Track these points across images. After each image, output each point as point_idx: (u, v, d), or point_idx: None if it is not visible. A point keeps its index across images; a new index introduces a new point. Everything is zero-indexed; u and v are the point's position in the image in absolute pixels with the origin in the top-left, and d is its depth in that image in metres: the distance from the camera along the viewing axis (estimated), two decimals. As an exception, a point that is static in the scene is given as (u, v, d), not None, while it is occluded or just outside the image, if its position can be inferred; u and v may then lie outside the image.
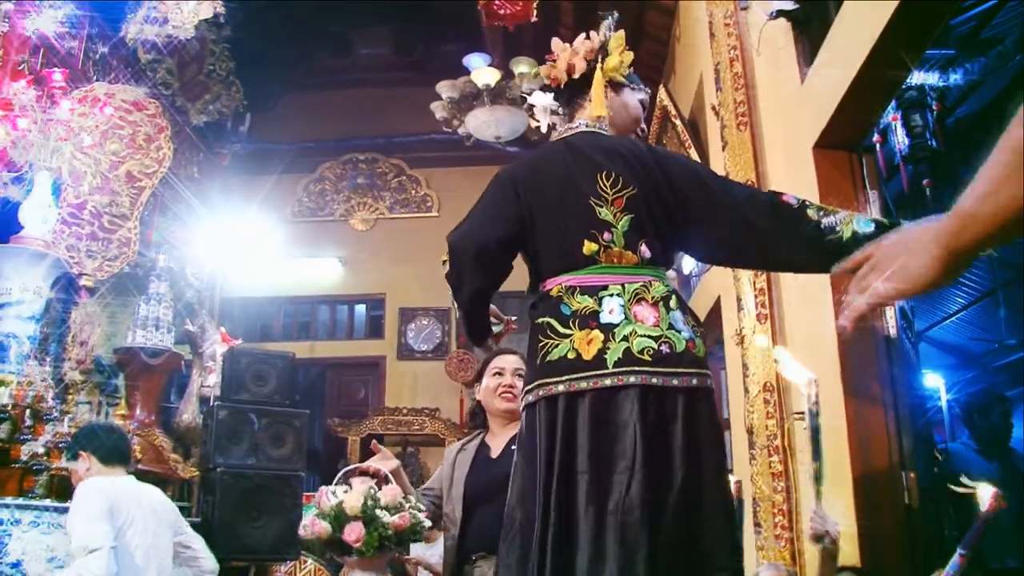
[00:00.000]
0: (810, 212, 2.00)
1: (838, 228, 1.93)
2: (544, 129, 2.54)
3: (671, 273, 2.39)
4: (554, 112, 2.45)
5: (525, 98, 6.22)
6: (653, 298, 2.05)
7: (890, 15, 2.67)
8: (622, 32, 2.32)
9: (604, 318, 2.02)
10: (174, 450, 5.92)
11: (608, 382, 1.96)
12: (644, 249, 2.08)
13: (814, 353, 3.40)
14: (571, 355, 2.02)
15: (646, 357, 1.97)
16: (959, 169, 7.35)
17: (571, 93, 2.35)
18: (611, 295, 2.05)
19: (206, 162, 8.81)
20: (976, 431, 4.02)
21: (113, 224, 6.37)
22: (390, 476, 2.91)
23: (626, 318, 2.01)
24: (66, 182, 6.04)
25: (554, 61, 2.35)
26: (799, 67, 3.64)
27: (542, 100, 2.47)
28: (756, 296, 3.92)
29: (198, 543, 3.75)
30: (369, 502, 2.76)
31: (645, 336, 1.99)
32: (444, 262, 2.19)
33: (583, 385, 1.98)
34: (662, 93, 5.98)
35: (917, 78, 4.74)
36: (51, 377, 5.20)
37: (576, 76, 2.31)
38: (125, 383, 6.19)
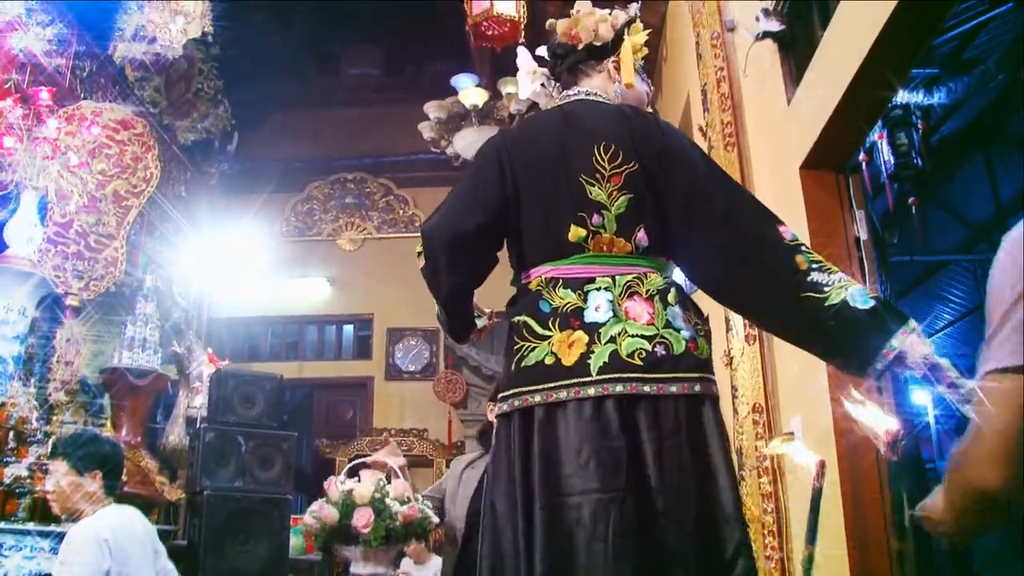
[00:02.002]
0: (800, 258, 1.71)
1: (827, 289, 1.65)
2: (524, 95, 2.36)
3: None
4: (542, 84, 2.20)
5: (514, 118, 6.25)
6: (648, 292, 1.79)
7: (875, 36, 2.68)
8: (642, 24, 2.15)
9: (589, 316, 1.77)
10: (160, 472, 5.89)
11: (591, 391, 1.70)
12: (641, 236, 1.82)
13: (802, 374, 3.40)
14: (549, 360, 1.76)
15: (637, 361, 1.71)
16: (944, 187, 7.43)
17: (581, 58, 2.09)
18: (598, 289, 1.80)
19: (193, 181, 8.79)
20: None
21: (99, 243, 6.34)
22: (399, 471, 2.90)
23: (615, 316, 1.76)
24: (52, 201, 6.02)
25: (576, 18, 2.11)
26: (786, 88, 3.66)
27: (530, 63, 2.23)
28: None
29: (171, 566, 3.57)
30: (378, 493, 2.75)
31: (637, 336, 1.73)
32: (419, 254, 1.95)
33: (563, 395, 1.72)
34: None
35: (902, 97, 4.79)
36: (36, 398, 5.17)
37: (598, 43, 2.08)
38: (111, 404, 6.15)
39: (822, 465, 1.93)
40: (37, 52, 5.91)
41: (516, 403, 1.78)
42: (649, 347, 1.73)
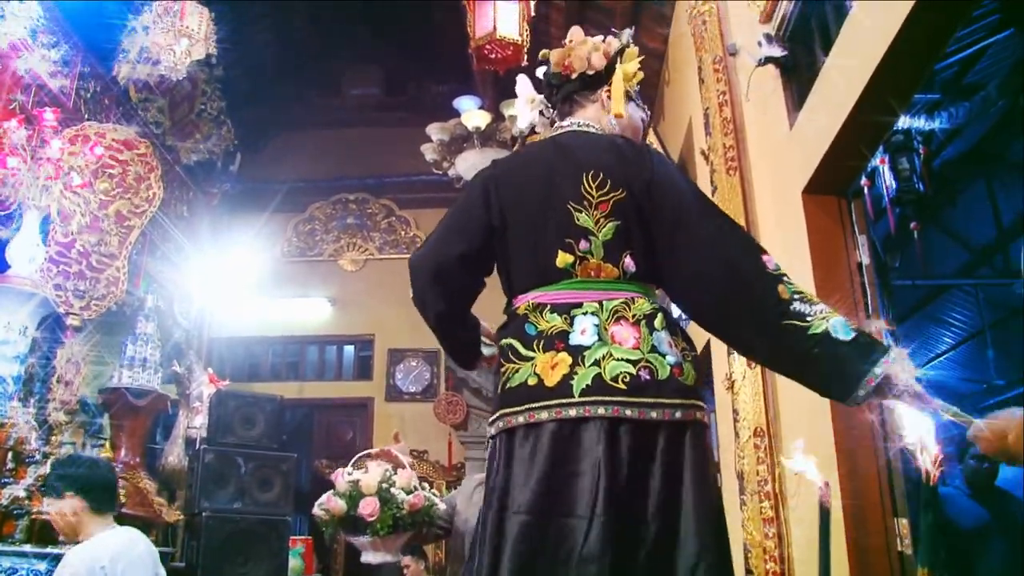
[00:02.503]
0: (783, 287, 1.71)
1: (809, 319, 1.65)
2: (522, 125, 2.37)
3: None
4: (541, 112, 2.21)
5: (516, 140, 6.27)
6: (634, 317, 1.79)
7: (877, 62, 2.70)
8: (636, 49, 2.14)
9: (574, 339, 1.77)
10: (159, 493, 5.86)
11: (572, 413, 1.70)
12: (628, 262, 1.83)
13: (803, 398, 3.39)
14: (532, 381, 1.77)
15: (620, 385, 1.71)
16: (945, 211, 7.45)
17: (575, 88, 2.10)
18: (585, 313, 1.80)
19: (196, 201, 8.82)
20: (964, 474, 4.02)
21: (101, 263, 6.35)
22: (405, 462, 2.90)
23: (600, 339, 1.76)
24: (55, 221, 6.03)
25: (569, 47, 2.11)
26: (788, 112, 3.67)
27: (529, 91, 2.22)
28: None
29: None
30: (384, 483, 2.76)
31: (622, 360, 1.73)
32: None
33: (544, 416, 1.72)
34: (651, 137, 6.03)
35: (904, 122, 4.81)
36: (35, 418, 5.15)
37: (591, 72, 2.07)
38: (110, 424, 6.13)
39: (827, 486, 1.95)
40: (42, 73, 5.94)
41: (501, 424, 1.80)
42: (633, 371, 1.73)
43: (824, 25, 3.50)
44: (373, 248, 10.01)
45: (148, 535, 4.78)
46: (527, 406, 1.75)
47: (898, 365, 1.60)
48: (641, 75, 2.14)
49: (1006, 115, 5.65)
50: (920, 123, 4.93)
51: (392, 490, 2.76)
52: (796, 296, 1.70)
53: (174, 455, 6.17)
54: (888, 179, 4.75)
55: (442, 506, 2.94)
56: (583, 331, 1.78)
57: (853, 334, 1.64)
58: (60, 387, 5.86)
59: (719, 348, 4.55)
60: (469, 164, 6.60)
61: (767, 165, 3.99)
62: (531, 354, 1.80)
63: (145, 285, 7.14)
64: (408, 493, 2.77)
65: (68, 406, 5.86)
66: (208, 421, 5.04)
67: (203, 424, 5.70)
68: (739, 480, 4.02)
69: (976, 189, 7.10)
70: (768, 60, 3.67)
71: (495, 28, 4.92)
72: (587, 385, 1.72)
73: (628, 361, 1.73)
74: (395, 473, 2.83)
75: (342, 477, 2.84)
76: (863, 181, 4.64)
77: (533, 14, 5.05)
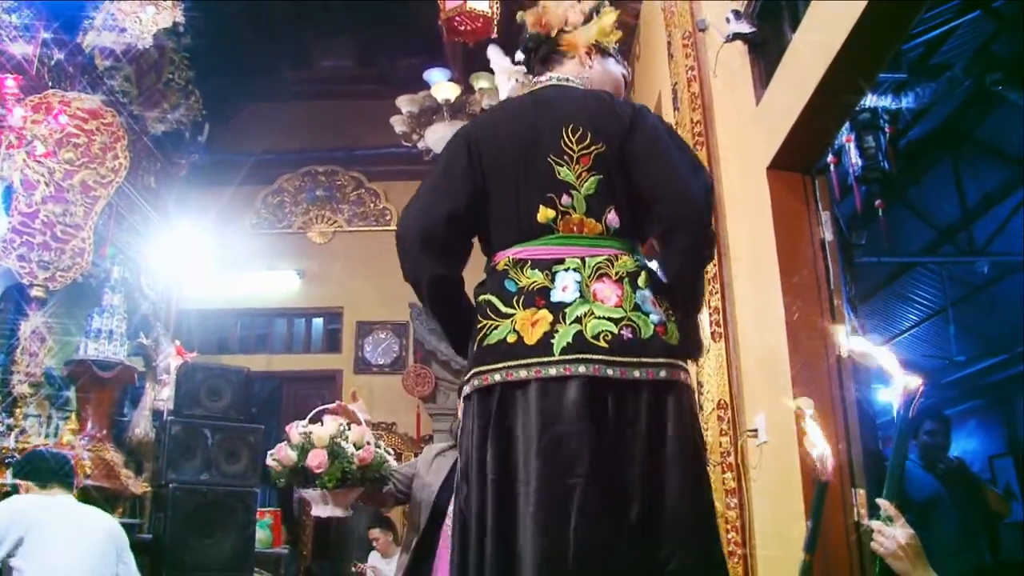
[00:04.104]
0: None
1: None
2: (503, 96, 2.36)
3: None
4: (518, 79, 2.26)
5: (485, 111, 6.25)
6: (617, 274, 1.75)
7: (843, 39, 2.72)
8: (616, 11, 2.13)
9: (555, 296, 1.73)
10: (126, 465, 5.83)
11: (552, 371, 1.65)
12: (612, 217, 1.79)
13: (766, 372, 3.44)
14: (511, 338, 1.72)
15: (602, 343, 1.67)
16: (911, 190, 7.54)
17: (554, 46, 2.07)
18: (567, 269, 1.76)
19: (163, 172, 8.71)
20: (918, 449, 4.11)
21: (66, 234, 6.28)
22: (361, 419, 2.91)
23: (582, 296, 1.72)
24: (18, 191, 5.95)
25: (545, 6, 2.09)
26: (755, 89, 3.69)
27: (505, 65, 2.27)
28: (711, 315, 3.95)
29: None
30: (336, 437, 2.77)
31: (604, 318, 1.69)
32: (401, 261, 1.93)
33: (523, 374, 1.67)
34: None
35: (870, 101, 4.85)
36: (-2, 390, 5.11)
37: (568, 29, 2.05)
38: (76, 396, 6.09)
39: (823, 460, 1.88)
40: (3, 39, 5.82)
41: (476, 383, 1.75)
42: (615, 330, 1.68)
43: (793, 2, 3.52)
44: (342, 220, 9.96)
45: (115, 507, 4.81)
46: (504, 364, 1.70)
47: None
48: (619, 35, 2.13)
49: (972, 95, 5.72)
50: (887, 102, 4.98)
51: (342, 443, 2.77)
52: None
53: (141, 427, 6.14)
54: (854, 157, 4.80)
55: (394, 463, 2.95)
56: (565, 287, 1.74)
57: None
58: (25, 359, 5.81)
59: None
60: (438, 136, 6.57)
61: (734, 141, 4.02)
62: (511, 311, 1.75)
63: (112, 256, 7.06)
64: (358, 448, 2.78)
65: (33, 378, 5.82)
66: (175, 393, 5.01)
67: (170, 396, 5.67)
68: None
69: (942, 168, 7.19)
70: (736, 36, 3.68)
71: (465, 1, 4.91)
72: (568, 343, 1.67)
73: (610, 319, 1.69)
74: (349, 428, 2.83)
75: (296, 429, 2.85)
76: (829, 159, 4.69)
77: (504, -13, 5.04)
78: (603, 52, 2.08)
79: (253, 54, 9.67)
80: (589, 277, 1.74)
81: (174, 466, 4.63)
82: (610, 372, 1.66)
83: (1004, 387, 8.63)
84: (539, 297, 1.74)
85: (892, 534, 1.75)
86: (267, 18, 9.47)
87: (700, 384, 4.07)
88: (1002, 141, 6.70)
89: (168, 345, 6.69)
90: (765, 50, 3.72)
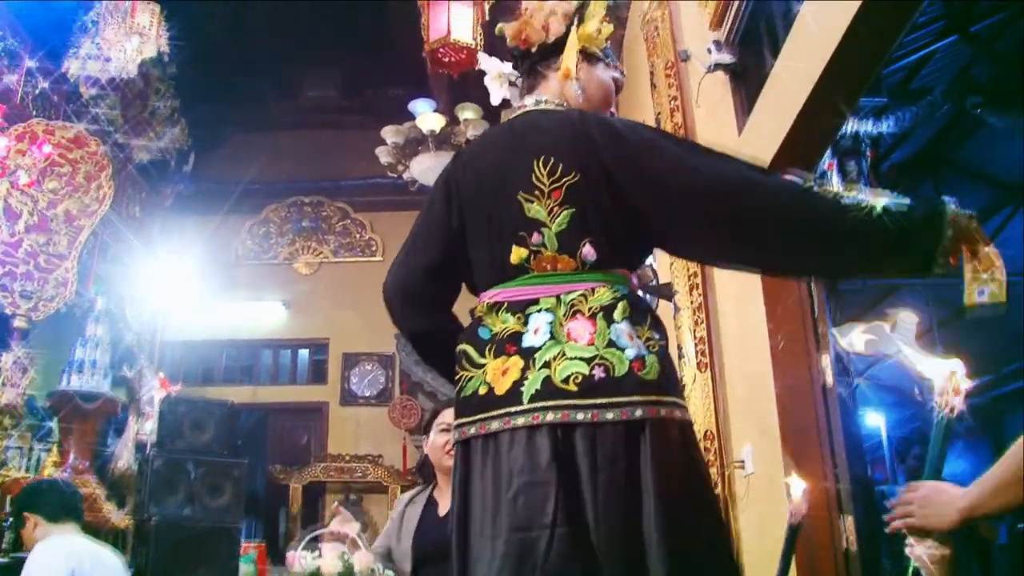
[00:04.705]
0: (825, 187, 1.58)
1: (863, 204, 1.51)
2: (496, 100, 2.24)
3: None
4: (511, 83, 2.06)
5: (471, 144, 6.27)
6: (591, 309, 1.64)
7: (823, 67, 2.73)
8: (605, 2, 1.97)
9: (527, 341, 1.65)
10: (108, 498, 5.76)
11: (520, 421, 1.57)
12: (587, 250, 1.67)
13: (752, 401, 3.43)
14: (482, 390, 1.65)
15: (571, 387, 1.56)
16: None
17: (536, 60, 1.94)
18: (540, 311, 1.67)
19: (149, 201, 8.70)
20: (907, 472, 4.10)
21: (50, 263, 6.25)
22: (358, 540, 2.86)
23: (553, 338, 1.62)
24: (1, 220, 5.91)
25: (525, 18, 1.94)
26: (737, 118, 3.71)
27: (496, 67, 2.08)
28: (697, 345, 3.94)
29: None
30: (344, 569, 2.72)
31: (575, 359, 1.59)
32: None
33: (495, 426, 1.61)
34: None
35: (852, 126, 4.89)
36: (-22, 422, 5.05)
37: (550, 40, 1.91)
38: (59, 427, 6.02)
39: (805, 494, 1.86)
40: (-14, 69, 5.82)
41: (457, 436, 1.70)
42: (587, 370, 1.57)
43: (773, 31, 3.54)
44: (328, 251, 9.95)
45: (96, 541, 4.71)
46: (479, 416, 1.64)
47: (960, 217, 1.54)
48: (610, 29, 1.97)
49: (952, 119, 5.77)
50: (868, 127, 5.02)
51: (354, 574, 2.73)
52: (842, 192, 1.55)
53: (124, 459, 6.07)
54: (836, 182, 4.83)
55: None
56: (536, 330, 1.65)
57: (907, 202, 1.53)
58: (6, 390, 5.75)
59: (671, 351, 4.58)
60: (424, 167, 6.58)
61: (717, 170, 4.01)
62: (483, 360, 1.68)
63: (96, 287, 7.03)
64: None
65: (14, 410, 5.76)
66: (158, 426, 4.95)
67: (154, 429, 5.61)
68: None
69: (924, 191, 7.23)
70: (717, 66, 3.70)
71: (449, 32, 4.94)
72: (536, 390, 1.58)
73: (581, 359, 1.58)
74: (352, 555, 2.79)
75: (299, 562, 2.80)
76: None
77: (487, 18, 5.07)
78: (590, 58, 1.93)
79: (240, 84, 9.70)
80: (564, 316, 1.65)
81: (156, 500, 4.55)
82: (580, 416, 1.55)
83: (992, 408, 8.64)
84: (510, 344, 1.67)
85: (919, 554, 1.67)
86: (254, 48, 9.51)
87: (686, 414, 4.05)
88: (983, 163, 6.76)
89: (152, 377, 6.62)
90: (746, 79, 3.74)
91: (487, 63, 2.10)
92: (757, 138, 3.39)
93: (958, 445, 9.43)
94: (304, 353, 9.91)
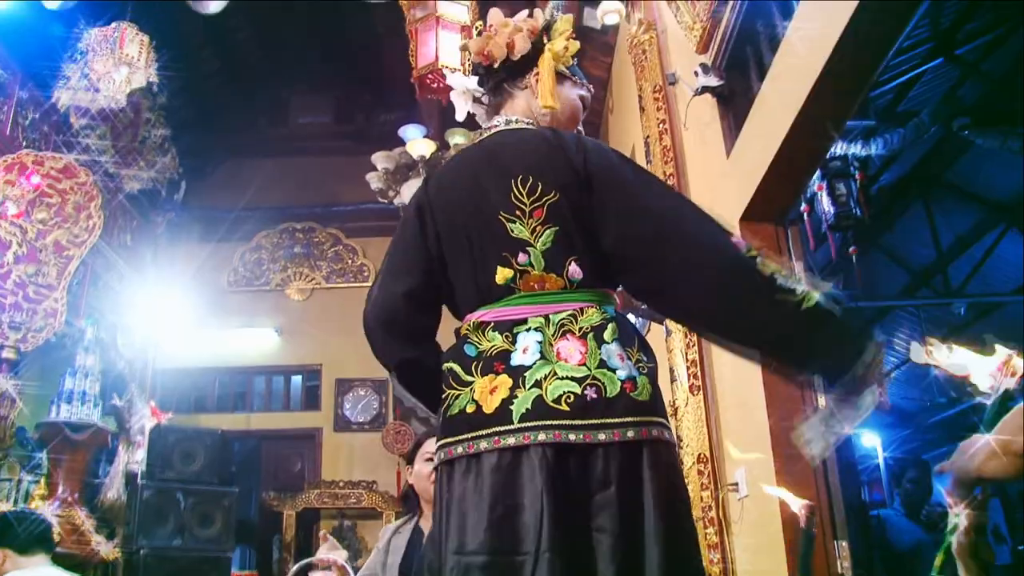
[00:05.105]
0: (764, 262, 1.57)
1: (800, 291, 1.53)
2: (460, 116, 2.16)
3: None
4: (476, 99, 2.03)
5: (420, 163, 6.28)
6: (581, 329, 1.62)
7: (809, 88, 2.74)
8: (571, 16, 1.94)
9: (515, 359, 1.62)
10: (98, 530, 5.69)
11: (511, 440, 1.54)
12: (574, 269, 1.65)
13: (745, 424, 3.41)
14: (470, 408, 1.61)
15: (563, 407, 1.54)
16: (886, 234, 7.60)
17: (502, 78, 1.91)
18: (528, 330, 1.64)
19: (140, 230, 8.67)
20: (900, 497, 4.08)
21: (39, 294, 6.21)
22: (347, 568, 2.84)
23: (543, 358, 1.60)
24: (-11, 251, 5.90)
25: (489, 35, 1.90)
26: (724, 141, 3.72)
27: (462, 83, 2.06)
28: (688, 368, 3.93)
29: None
30: None
31: (567, 379, 1.56)
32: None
33: (483, 445, 1.57)
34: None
35: (840, 148, 4.91)
36: (-34, 455, 5.00)
37: (515, 57, 1.87)
38: (48, 459, 5.97)
39: (809, 509, 1.86)
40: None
41: (442, 455, 1.65)
42: (579, 390, 1.55)
43: (759, 54, 3.56)
44: (320, 277, 9.93)
45: (85, 574, 4.67)
46: (466, 436, 1.60)
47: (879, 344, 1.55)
48: (576, 46, 1.94)
49: (940, 141, 5.80)
50: (857, 149, 5.04)
51: None
52: (779, 272, 1.56)
53: (113, 490, 6.01)
54: (827, 205, 4.84)
55: None
56: (525, 349, 1.62)
57: (839, 308, 1.53)
58: (-6, 422, 5.70)
59: (663, 374, 4.56)
60: (415, 192, 6.57)
61: (706, 193, 4.03)
62: (470, 378, 1.65)
63: (88, 317, 6.99)
64: None
65: (3, 442, 5.70)
66: (147, 456, 4.91)
67: (144, 458, 5.56)
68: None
69: (915, 212, 7.26)
70: (705, 90, 3.72)
71: (437, 58, 4.96)
72: (527, 409, 1.55)
73: (573, 379, 1.56)
74: None
75: None
76: (803, 207, 4.74)
77: (476, 43, 5.08)
78: (558, 77, 1.90)
79: (230, 111, 9.72)
80: (553, 336, 1.63)
81: (145, 531, 4.53)
82: (572, 437, 1.53)
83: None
84: (498, 362, 1.63)
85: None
86: (244, 75, 9.54)
87: (680, 438, 4.04)
88: (973, 184, 6.79)
89: (143, 405, 6.58)
90: (734, 102, 3.76)
91: (453, 79, 2.08)
92: (745, 161, 3.40)
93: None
94: (297, 379, 9.86)
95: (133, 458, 6.21)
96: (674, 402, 4.11)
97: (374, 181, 6.72)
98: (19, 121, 6.65)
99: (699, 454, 3.76)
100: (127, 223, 8.43)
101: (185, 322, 8.66)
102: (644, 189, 1.72)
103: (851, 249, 5.08)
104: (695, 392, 3.85)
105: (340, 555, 2.91)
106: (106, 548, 5.53)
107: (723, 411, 3.74)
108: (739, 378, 3.47)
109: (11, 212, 5.95)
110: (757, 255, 1.59)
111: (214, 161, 10.10)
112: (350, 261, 9.97)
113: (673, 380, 4.14)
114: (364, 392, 9.34)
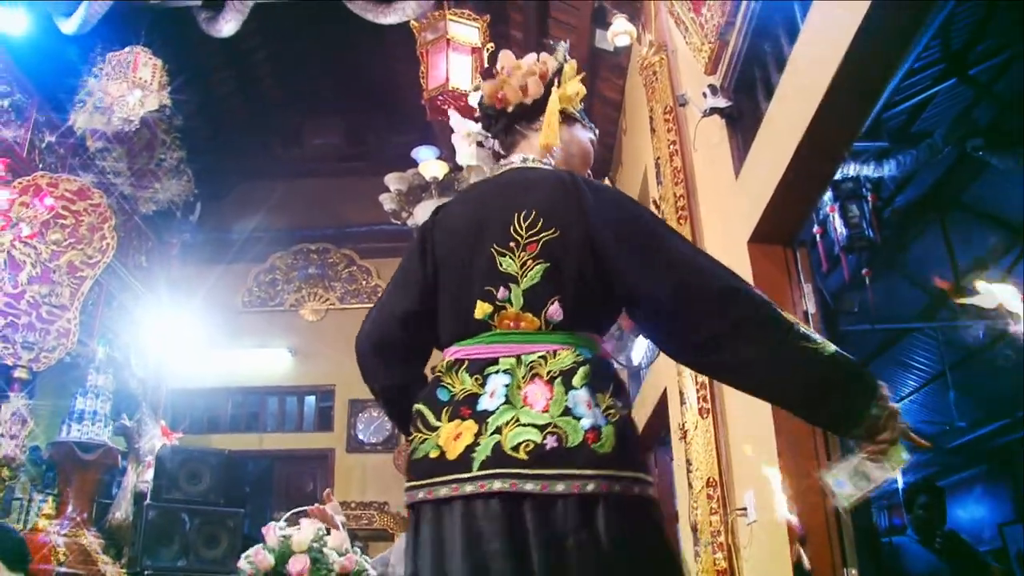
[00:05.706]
0: (782, 313, 1.56)
1: (818, 341, 1.52)
2: (461, 159, 2.18)
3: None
4: (479, 143, 2.08)
5: (431, 186, 6.29)
6: (550, 373, 1.55)
7: (816, 108, 2.72)
8: (575, 62, 1.96)
9: (482, 404, 1.57)
10: (105, 550, 5.68)
11: (469, 488, 1.49)
12: (554, 310, 1.60)
13: (755, 450, 3.36)
14: (434, 453, 1.57)
15: (521, 455, 1.48)
16: (902, 256, 7.54)
17: (514, 120, 1.91)
18: (499, 372, 1.59)
19: (155, 251, 8.73)
20: (912, 524, 4.01)
21: (52, 315, 6.25)
22: (339, 524, 2.84)
23: (508, 402, 1.54)
24: (3, 271, 5.93)
25: (503, 78, 1.92)
26: (733, 162, 3.69)
27: (464, 126, 2.08)
28: (698, 391, 3.89)
29: None
30: (316, 542, 2.69)
31: (529, 426, 1.50)
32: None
33: (443, 492, 1.53)
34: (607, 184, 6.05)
35: (853, 170, 4.87)
36: (-22, 474, 5.01)
37: (528, 100, 1.88)
38: (57, 479, 5.98)
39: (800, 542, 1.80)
40: (-5, 123, 5.89)
41: (406, 499, 1.62)
42: (539, 438, 1.49)
43: (766, 74, 3.53)
44: (334, 298, 9.95)
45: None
46: (427, 481, 1.56)
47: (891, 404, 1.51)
48: (583, 91, 1.97)
49: (957, 160, 5.75)
50: (869, 170, 5.00)
51: (324, 550, 2.69)
52: (797, 323, 1.54)
53: (121, 510, 6.00)
54: (839, 227, 4.79)
55: (373, 573, 2.86)
56: (492, 393, 1.57)
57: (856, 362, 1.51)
58: (5, 441, 5.71)
59: (673, 397, 4.52)
60: (428, 214, 6.57)
61: (715, 215, 4.00)
62: (437, 424, 1.60)
63: (101, 337, 7.02)
64: (340, 555, 2.70)
65: (14, 461, 5.71)
66: (153, 476, 4.91)
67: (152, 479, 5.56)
68: (693, 532, 3.97)
69: (932, 233, 7.18)
70: (713, 111, 3.70)
71: (447, 80, 4.97)
72: (487, 457, 1.50)
73: (535, 426, 1.50)
74: (328, 533, 2.76)
75: (273, 532, 2.77)
76: (815, 229, 4.69)
77: (486, 65, 5.10)
78: (569, 119, 1.92)
79: (245, 133, 9.79)
80: (523, 378, 1.57)
81: (150, 552, 4.52)
82: (529, 487, 1.46)
83: (1008, 451, 8.49)
84: (465, 407, 1.58)
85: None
86: (259, 98, 9.62)
87: (689, 462, 3.99)
88: (990, 205, 6.71)
89: (154, 425, 6.59)
90: (742, 123, 3.74)
91: (456, 121, 2.07)
92: (753, 183, 3.37)
93: (977, 490, 9.28)
94: (310, 400, 9.87)
95: (142, 478, 6.22)
96: (683, 425, 4.07)
97: (387, 202, 6.73)
98: (36, 144, 6.72)
99: (708, 478, 3.71)
100: (142, 244, 8.49)
101: (199, 342, 8.70)
102: (667, 241, 1.67)
103: (864, 271, 5.02)
104: (704, 415, 3.81)
105: (339, 517, 2.92)
106: (112, 569, 5.51)
107: (732, 435, 3.70)
108: (748, 401, 3.42)
109: (25, 233, 5.99)
110: (772, 304, 1.56)
111: (229, 183, 10.17)
112: (364, 282, 9.99)
113: (683, 403, 4.09)
114: (377, 413, 9.32)
